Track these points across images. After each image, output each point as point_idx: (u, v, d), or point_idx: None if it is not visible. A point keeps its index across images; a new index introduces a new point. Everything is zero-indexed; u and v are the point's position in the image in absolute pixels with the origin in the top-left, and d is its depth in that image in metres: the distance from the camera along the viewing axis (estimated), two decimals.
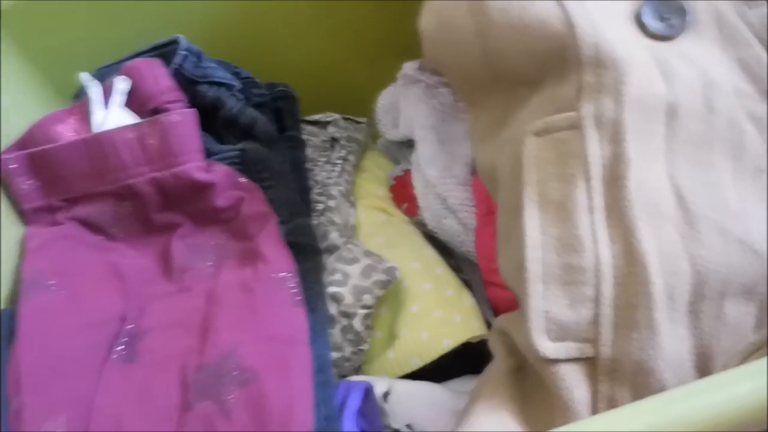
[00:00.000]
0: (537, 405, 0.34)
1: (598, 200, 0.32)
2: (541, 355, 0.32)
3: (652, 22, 0.33)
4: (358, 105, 0.60)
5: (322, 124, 0.58)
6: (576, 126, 0.32)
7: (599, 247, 0.32)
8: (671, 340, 0.31)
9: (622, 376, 0.31)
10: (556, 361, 0.32)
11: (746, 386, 0.23)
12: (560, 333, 0.32)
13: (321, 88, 0.61)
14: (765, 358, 0.23)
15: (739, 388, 0.23)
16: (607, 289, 0.31)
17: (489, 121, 0.38)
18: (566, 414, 0.32)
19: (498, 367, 0.37)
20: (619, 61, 0.31)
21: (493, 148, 0.37)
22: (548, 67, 0.33)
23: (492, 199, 0.44)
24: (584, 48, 0.32)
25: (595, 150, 0.32)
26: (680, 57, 0.33)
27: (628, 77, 0.31)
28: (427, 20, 0.38)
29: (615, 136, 0.31)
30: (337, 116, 0.57)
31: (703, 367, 0.31)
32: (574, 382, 0.32)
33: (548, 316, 0.32)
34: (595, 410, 0.32)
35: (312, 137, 0.57)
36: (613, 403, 0.32)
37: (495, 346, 0.38)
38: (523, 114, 0.35)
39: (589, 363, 0.32)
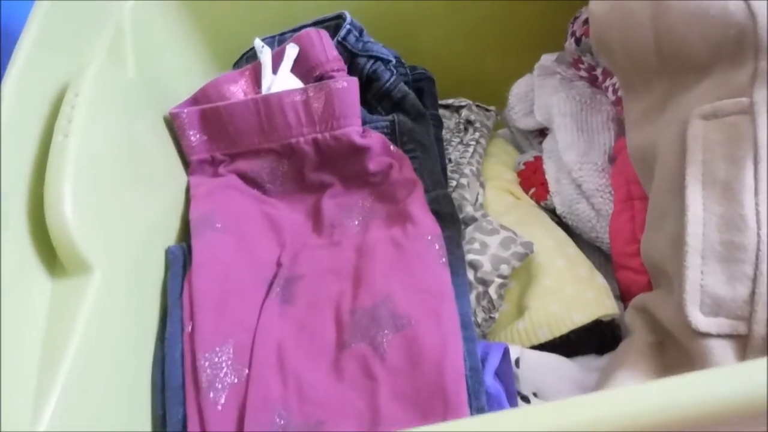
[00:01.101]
0: None
1: (765, 184, 0.33)
2: (693, 328, 0.33)
3: None
4: (485, 94, 0.62)
5: (454, 108, 0.60)
6: (747, 111, 0.33)
7: (762, 227, 0.32)
8: None
9: None
10: (706, 335, 0.33)
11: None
12: (714, 308, 0.33)
13: (453, 76, 0.64)
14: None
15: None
16: (767, 269, 0.32)
17: (647, 106, 0.39)
18: None
19: (639, 340, 0.38)
20: None
21: (650, 131, 0.38)
22: (722, 54, 0.35)
23: (632, 186, 0.45)
24: (765, 35, 0.33)
25: (766, 135, 0.33)
26: None
27: None
28: (599, 2, 0.40)
29: None
30: (469, 101, 0.60)
31: None
32: (722, 358, 0.33)
33: (704, 290, 0.33)
34: None
35: (445, 120, 0.59)
36: None
37: (633, 322, 0.39)
38: (688, 98, 0.36)
39: (740, 341, 0.33)
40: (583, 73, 0.54)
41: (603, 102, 0.52)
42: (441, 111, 0.60)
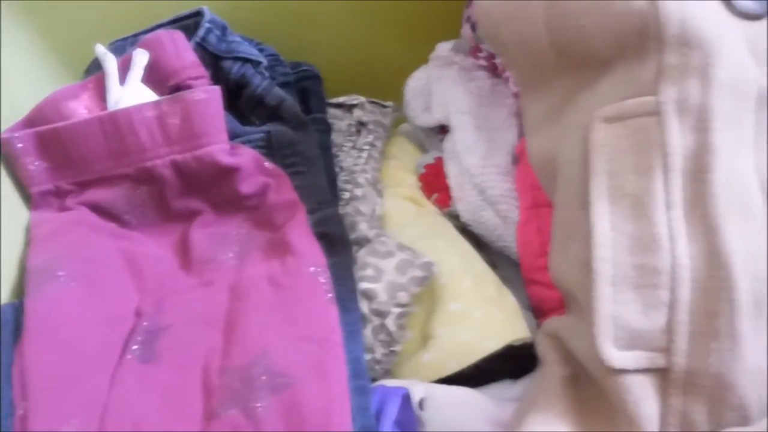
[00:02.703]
0: (597, 419, 0.31)
1: (678, 195, 0.29)
2: (607, 365, 0.29)
3: (742, 0, 0.30)
4: (383, 88, 0.57)
5: (347, 107, 0.54)
6: (654, 112, 0.29)
7: (677, 246, 0.29)
8: (755, 352, 0.28)
9: (698, 390, 0.28)
10: (622, 371, 0.29)
11: None
12: (629, 341, 0.29)
13: (345, 69, 0.58)
14: None
15: None
16: (685, 294, 0.28)
17: (548, 106, 0.35)
18: (632, 430, 0.29)
19: (551, 375, 0.33)
20: (708, 41, 0.28)
21: (551, 136, 0.34)
22: (624, 46, 0.30)
23: (538, 191, 0.41)
24: (668, 25, 0.28)
25: (677, 139, 0.29)
26: None
27: (717, 58, 0.28)
28: None
29: (700, 124, 0.28)
30: (362, 99, 0.54)
31: None
32: (642, 395, 0.29)
33: (617, 322, 0.29)
34: (665, 426, 0.29)
35: (336, 121, 0.53)
36: (686, 419, 0.29)
37: (546, 353, 0.35)
38: (591, 98, 0.32)
39: (661, 375, 0.29)
40: (482, 62, 0.49)
41: (504, 94, 0.47)
42: (332, 111, 0.54)
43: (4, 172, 0.41)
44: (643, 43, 0.29)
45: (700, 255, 0.28)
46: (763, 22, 0.30)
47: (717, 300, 0.28)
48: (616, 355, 0.29)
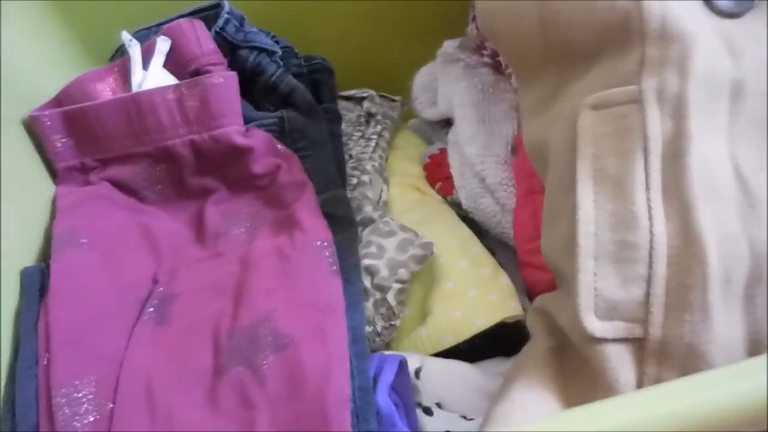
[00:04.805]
0: (579, 386, 0.33)
1: (656, 177, 0.31)
2: (588, 334, 0.31)
3: (721, 0, 0.32)
4: (391, 83, 0.59)
5: (356, 100, 0.57)
6: (636, 100, 0.31)
7: (655, 224, 0.30)
8: (724, 325, 0.30)
9: (671, 359, 0.30)
10: (602, 340, 0.31)
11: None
12: (609, 311, 0.31)
13: (355, 64, 0.61)
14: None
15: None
16: (661, 268, 0.30)
17: (540, 95, 0.37)
18: (610, 396, 0.31)
19: (538, 346, 0.36)
20: (686, 35, 0.30)
21: (543, 123, 0.36)
22: (609, 40, 0.32)
23: (533, 179, 0.43)
24: (650, 21, 0.31)
25: (656, 125, 0.31)
26: (747, 35, 0.32)
27: (694, 51, 0.30)
28: None
29: (677, 112, 0.30)
30: (372, 92, 0.57)
31: (756, 355, 0.30)
32: (620, 363, 0.31)
33: (597, 294, 0.31)
34: None
35: (346, 112, 0.56)
36: None
37: (534, 326, 0.37)
38: (579, 87, 0.34)
39: (637, 344, 0.31)
40: (486, 59, 0.52)
41: (506, 89, 0.49)
42: (343, 103, 0.57)
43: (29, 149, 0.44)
44: (626, 38, 0.32)
45: (675, 232, 0.30)
46: (740, 20, 0.32)
47: (691, 274, 0.30)
48: (596, 325, 0.31)
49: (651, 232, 0.31)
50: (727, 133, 0.31)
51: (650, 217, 0.31)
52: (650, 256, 0.30)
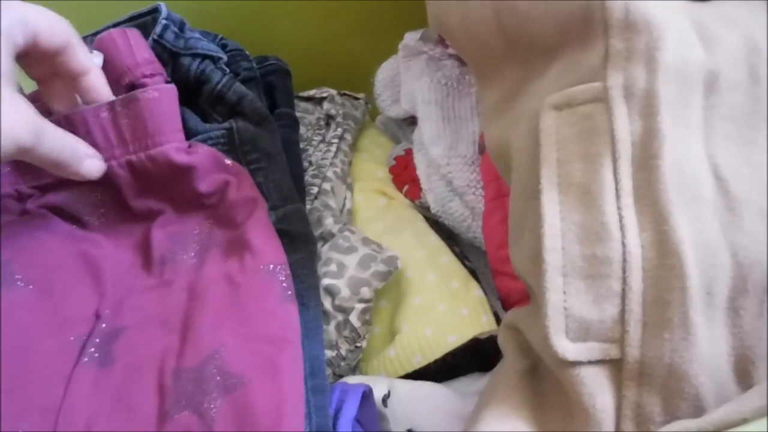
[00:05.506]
0: (554, 412, 0.31)
1: (627, 183, 0.28)
2: (560, 357, 0.29)
3: None
4: (355, 79, 0.56)
5: (317, 101, 0.54)
6: (601, 98, 0.28)
7: (627, 235, 0.28)
8: (708, 341, 0.27)
9: (652, 381, 0.28)
10: (576, 363, 0.29)
11: None
12: (582, 332, 0.28)
13: (315, 61, 0.58)
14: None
15: None
16: (636, 283, 0.28)
17: (501, 94, 0.34)
18: (587, 422, 0.28)
19: (509, 368, 0.33)
20: (653, 24, 0.27)
21: (504, 124, 0.33)
22: (570, 32, 0.29)
23: (501, 181, 0.40)
24: (613, 9, 0.28)
25: (624, 125, 0.28)
26: (722, 19, 0.29)
27: (662, 42, 0.27)
28: None
29: (647, 110, 0.27)
30: (332, 91, 0.53)
31: (743, 371, 0.28)
32: (596, 387, 0.28)
33: (568, 313, 0.29)
34: (620, 418, 0.28)
35: (306, 114, 0.53)
36: (640, 411, 0.28)
37: (505, 345, 0.34)
38: (540, 85, 0.31)
39: (614, 366, 0.28)
40: (451, 51, 0.48)
41: (472, 83, 0.46)
42: (302, 105, 0.54)
43: None
44: (588, 29, 0.29)
45: (650, 243, 0.27)
46: (711, 2, 0.29)
47: (669, 289, 0.27)
48: (569, 347, 0.29)
49: (623, 244, 0.28)
50: (703, 130, 0.28)
51: (622, 228, 0.28)
52: (624, 270, 0.28)
